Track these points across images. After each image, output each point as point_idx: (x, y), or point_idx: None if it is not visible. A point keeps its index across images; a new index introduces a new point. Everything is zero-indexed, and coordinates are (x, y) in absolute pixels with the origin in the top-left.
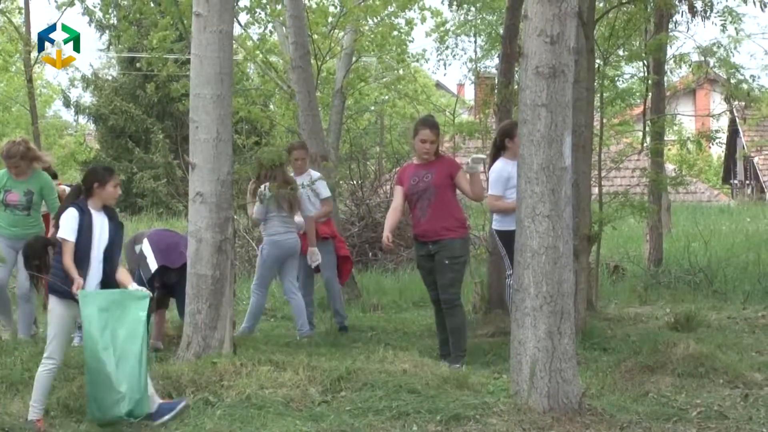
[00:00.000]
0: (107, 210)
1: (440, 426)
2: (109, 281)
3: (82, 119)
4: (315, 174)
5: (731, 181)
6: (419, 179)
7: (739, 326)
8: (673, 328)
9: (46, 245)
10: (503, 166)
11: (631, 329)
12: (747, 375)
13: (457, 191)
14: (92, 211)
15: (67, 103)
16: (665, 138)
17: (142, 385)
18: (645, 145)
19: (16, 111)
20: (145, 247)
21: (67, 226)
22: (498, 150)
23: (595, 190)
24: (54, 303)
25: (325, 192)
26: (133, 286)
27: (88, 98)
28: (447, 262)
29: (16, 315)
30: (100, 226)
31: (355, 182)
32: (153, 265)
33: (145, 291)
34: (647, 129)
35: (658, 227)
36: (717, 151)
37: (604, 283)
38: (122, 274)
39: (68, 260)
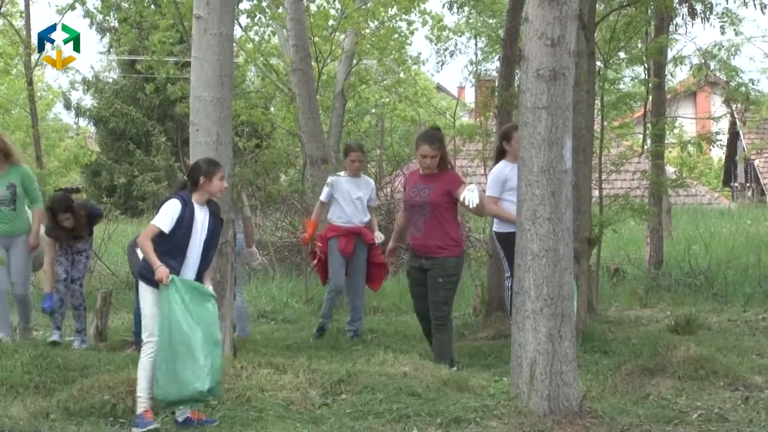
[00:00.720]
0: (210, 204)
1: (440, 429)
2: (201, 277)
3: (83, 122)
4: (370, 180)
5: (732, 184)
6: (417, 192)
7: (739, 329)
8: (673, 331)
9: (69, 196)
10: (501, 169)
11: (631, 332)
12: (747, 377)
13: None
14: (195, 205)
15: (67, 106)
16: (665, 140)
17: (221, 370)
18: (645, 147)
19: (16, 114)
20: None
21: (165, 215)
22: (499, 153)
23: (596, 193)
24: (146, 290)
25: (375, 200)
26: (209, 289)
27: (88, 101)
28: (441, 280)
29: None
30: (202, 220)
31: None
32: None
33: (213, 293)
34: (648, 132)
35: (658, 230)
36: (717, 154)
37: (605, 286)
38: (207, 272)
39: (148, 245)
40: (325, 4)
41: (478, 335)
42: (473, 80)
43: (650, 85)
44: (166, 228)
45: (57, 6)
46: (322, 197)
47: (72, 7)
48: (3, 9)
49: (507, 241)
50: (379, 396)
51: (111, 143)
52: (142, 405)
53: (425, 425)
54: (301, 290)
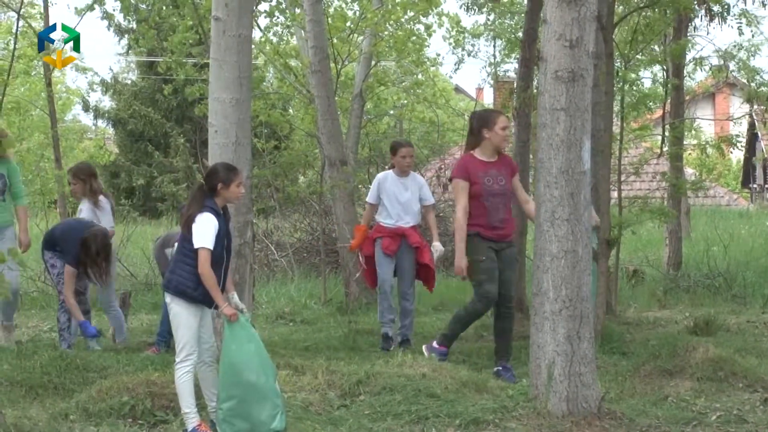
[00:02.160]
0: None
1: (459, 430)
2: (225, 281)
3: (102, 123)
4: (419, 177)
5: (750, 186)
6: (493, 181)
7: (758, 330)
8: (692, 332)
9: (107, 240)
10: None
11: (650, 333)
12: (766, 379)
13: None
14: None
15: (86, 108)
16: (684, 142)
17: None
18: (664, 149)
19: (36, 115)
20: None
21: (208, 233)
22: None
23: (615, 195)
24: (180, 306)
25: (430, 198)
26: (234, 297)
27: (107, 102)
28: (516, 258)
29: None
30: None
31: None
32: None
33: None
34: (666, 133)
35: (677, 231)
36: (736, 155)
37: (623, 287)
38: (229, 277)
39: (207, 270)
40: (342, 5)
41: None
42: (492, 82)
43: (669, 86)
44: (212, 245)
45: (76, 8)
46: (369, 198)
47: (90, 8)
48: (22, 11)
49: None
50: (397, 397)
51: (129, 145)
52: (193, 419)
53: (444, 426)
54: (320, 291)
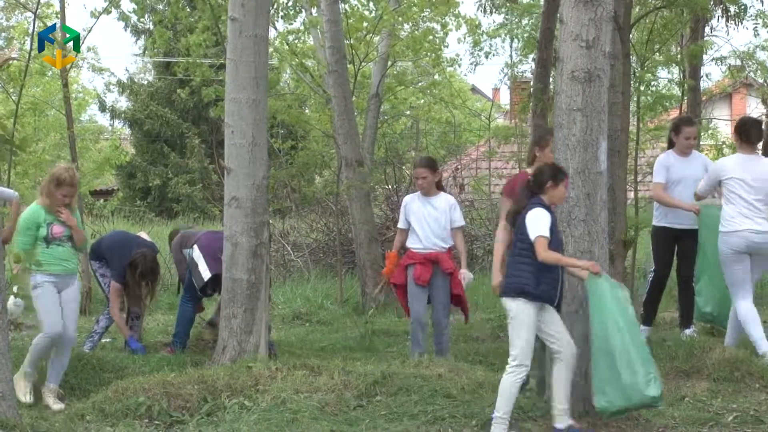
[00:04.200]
0: None
1: (475, 430)
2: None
3: (118, 124)
4: (449, 198)
5: None
6: None
7: None
8: (708, 333)
9: (156, 263)
10: (665, 158)
11: (666, 334)
12: None
13: None
14: None
15: (102, 108)
16: (701, 142)
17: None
18: None
19: (52, 116)
20: (196, 254)
21: (542, 223)
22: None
23: (631, 195)
24: (522, 306)
25: (459, 220)
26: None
27: (123, 103)
28: None
29: None
30: None
31: (390, 187)
32: (206, 273)
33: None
34: None
35: None
36: None
37: (640, 288)
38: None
39: (548, 254)
40: (359, 6)
41: None
42: (509, 82)
43: (686, 86)
44: (548, 235)
45: (93, 9)
46: (400, 224)
47: (107, 11)
48: (38, 11)
49: (654, 234)
50: (413, 398)
51: (146, 145)
52: (564, 417)
53: (460, 427)
54: (336, 292)
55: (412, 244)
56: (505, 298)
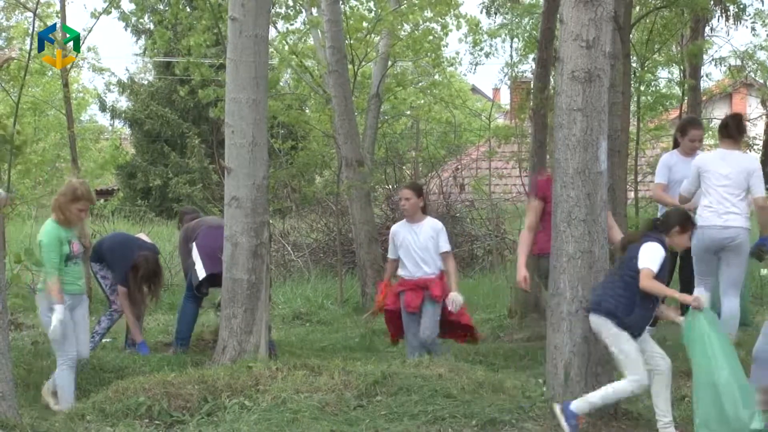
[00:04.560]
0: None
1: (476, 430)
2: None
3: (119, 123)
4: (435, 223)
5: (767, 186)
6: None
7: None
8: None
9: (158, 266)
10: (668, 158)
11: (667, 333)
12: None
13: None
14: None
15: (103, 108)
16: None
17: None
18: None
19: (52, 115)
20: (194, 253)
21: (655, 258)
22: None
23: (632, 195)
24: (621, 333)
25: (445, 245)
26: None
27: (124, 103)
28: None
29: None
30: None
31: (390, 187)
32: (201, 273)
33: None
34: None
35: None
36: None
37: None
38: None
39: (651, 284)
40: (359, 6)
41: (513, 337)
42: (509, 82)
43: (686, 86)
44: (656, 270)
45: (93, 9)
46: (390, 254)
47: (107, 12)
48: (38, 11)
49: None
50: (414, 398)
51: (146, 145)
52: (670, 429)
53: (460, 427)
54: (336, 292)
55: (401, 272)
56: (594, 315)
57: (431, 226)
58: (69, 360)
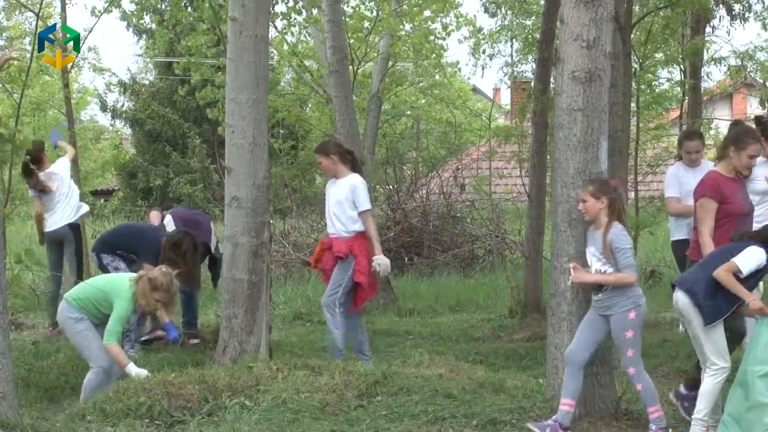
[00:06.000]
0: None
1: (476, 430)
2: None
3: (119, 124)
4: (352, 180)
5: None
6: (743, 198)
7: None
8: None
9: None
10: (676, 170)
11: (667, 334)
12: None
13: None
14: None
15: (104, 108)
16: None
17: None
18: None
19: (52, 115)
20: (168, 219)
21: (751, 264)
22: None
23: (632, 195)
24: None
25: (363, 203)
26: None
27: (125, 103)
28: None
29: None
30: None
31: (391, 187)
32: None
33: None
34: None
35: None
36: None
37: (641, 288)
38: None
39: (730, 279)
40: (360, 6)
41: (513, 337)
42: (509, 82)
43: (686, 86)
44: (746, 271)
45: (93, 7)
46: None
47: (108, 11)
48: (40, 12)
49: (675, 249)
50: (414, 398)
51: (147, 145)
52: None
53: (461, 427)
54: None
55: (327, 229)
56: (679, 291)
57: (348, 182)
58: (105, 367)
